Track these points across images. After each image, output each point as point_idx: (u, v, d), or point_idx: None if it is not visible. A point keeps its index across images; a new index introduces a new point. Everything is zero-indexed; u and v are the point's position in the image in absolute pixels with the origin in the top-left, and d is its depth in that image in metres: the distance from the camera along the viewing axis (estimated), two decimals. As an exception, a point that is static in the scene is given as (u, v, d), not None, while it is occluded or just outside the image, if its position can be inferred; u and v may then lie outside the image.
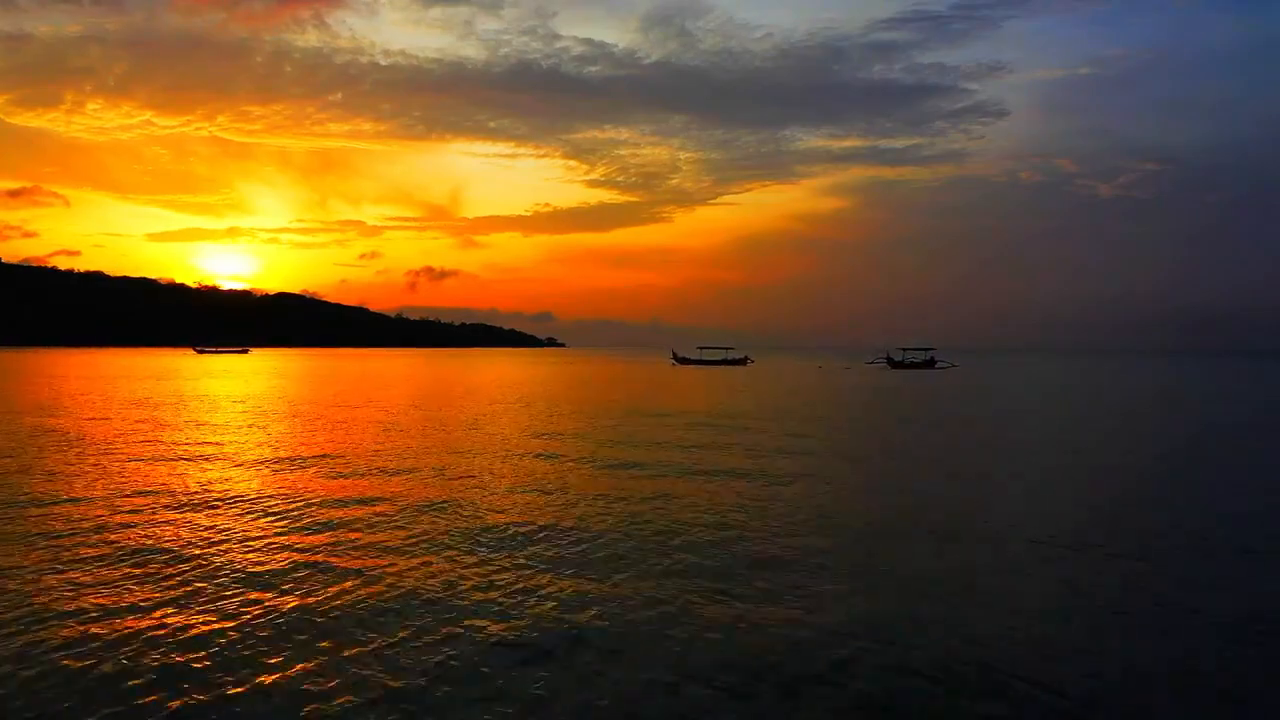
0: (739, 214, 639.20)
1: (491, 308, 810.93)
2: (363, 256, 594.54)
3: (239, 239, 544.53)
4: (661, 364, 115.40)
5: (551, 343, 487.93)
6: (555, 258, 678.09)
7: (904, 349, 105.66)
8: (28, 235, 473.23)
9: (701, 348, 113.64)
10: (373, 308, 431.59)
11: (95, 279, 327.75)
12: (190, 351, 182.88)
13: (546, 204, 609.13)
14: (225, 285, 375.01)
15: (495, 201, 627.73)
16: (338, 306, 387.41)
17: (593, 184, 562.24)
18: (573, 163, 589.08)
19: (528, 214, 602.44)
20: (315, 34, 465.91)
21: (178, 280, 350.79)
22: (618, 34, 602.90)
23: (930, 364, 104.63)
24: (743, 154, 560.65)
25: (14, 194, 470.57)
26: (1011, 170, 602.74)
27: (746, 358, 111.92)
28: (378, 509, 14.42)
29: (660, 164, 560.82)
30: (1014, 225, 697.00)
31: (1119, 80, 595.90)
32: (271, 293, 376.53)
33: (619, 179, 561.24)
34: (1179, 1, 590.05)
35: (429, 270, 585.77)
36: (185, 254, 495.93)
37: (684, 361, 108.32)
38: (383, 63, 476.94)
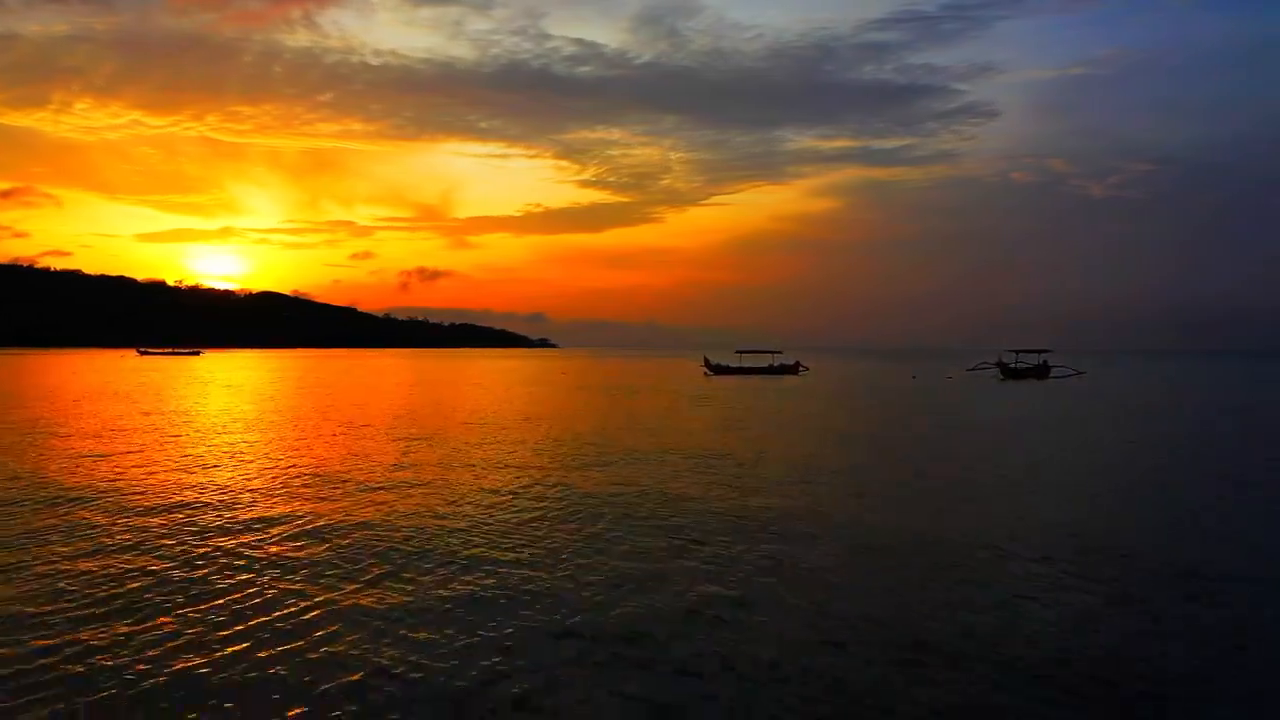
0: (731, 214, 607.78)
1: (485, 308, 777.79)
2: (354, 256, 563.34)
3: (229, 239, 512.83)
4: (692, 372, 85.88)
5: (544, 344, 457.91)
6: (548, 258, 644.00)
7: (1016, 352, 75.91)
8: (19, 235, 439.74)
9: (741, 351, 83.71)
10: (366, 308, 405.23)
11: (73, 278, 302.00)
12: (132, 353, 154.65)
13: (538, 204, 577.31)
14: (215, 286, 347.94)
15: (487, 202, 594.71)
16: (325, 306, 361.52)
17: (584, 184, 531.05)
18: (564, 163, 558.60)
19: (519, 214, 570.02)
20: (305, 34, 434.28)
21: (163, 280, 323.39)
22: (608, 34, 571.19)
23: (1044, 371, 75.20)
24: (734, 154, 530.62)
25: (5, 194, 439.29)
26: (1004, 171, 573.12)
27: (798, 363, 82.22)
28: None
29: (652, 164, 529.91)
30: (1007, 226, 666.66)
31: (1111, 80, 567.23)
32: (255, 292, 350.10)
33: (611, 179, 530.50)
34: (1171, 2, 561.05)
35: (422, 270, 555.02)
36: (175, 254, 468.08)
37: (721, 370, 78.52)
38: (373, 62, 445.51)
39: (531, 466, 19.05)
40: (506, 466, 19.04)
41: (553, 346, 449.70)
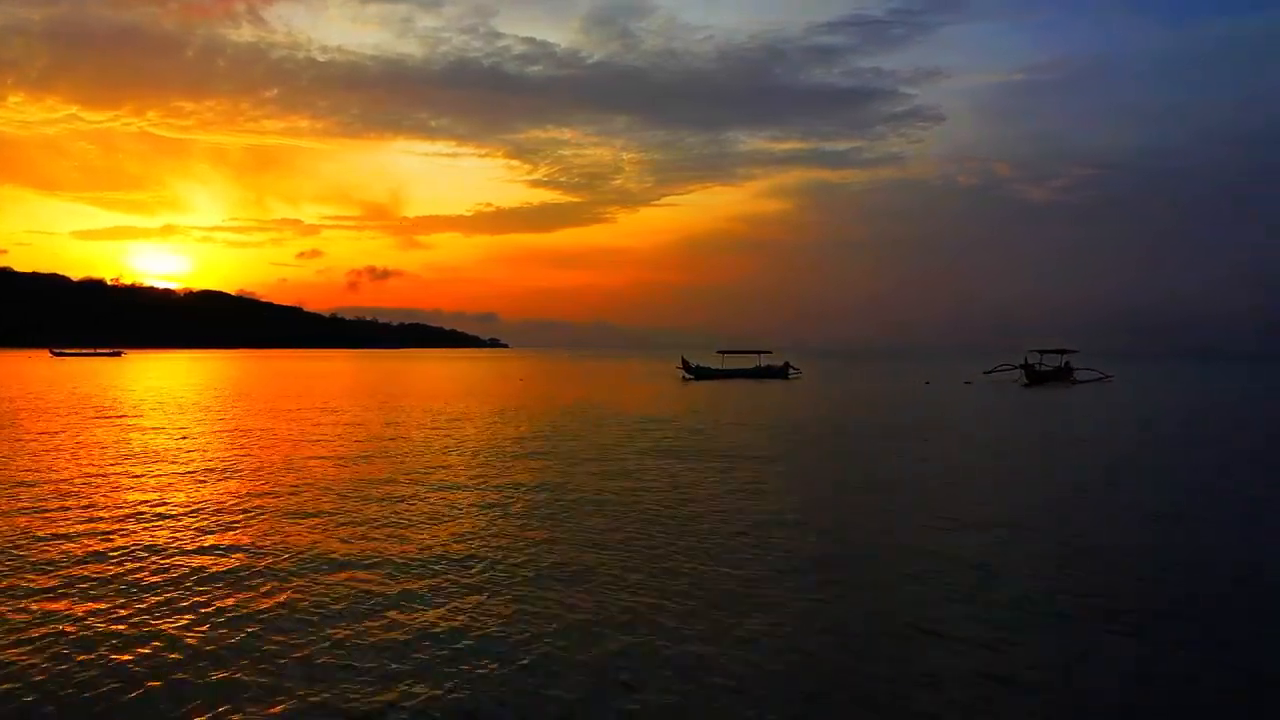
0: (682, 215, 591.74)
1: (435, 308, 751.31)
2: (300, 255, 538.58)
3: (171, 238, 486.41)
4: (665, 375, 74.05)
5: (494, 344, 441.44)
6: (498, 258, 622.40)
7: (1041, 352, 64.76)
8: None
9: (723, 351, 71.45)
10: (314, 308, 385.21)
11: (2, 275, 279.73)
12: (45, 354, 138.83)
13: (489, 204, 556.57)
14: (157, 285, 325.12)
15: (437, 201, 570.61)
16: (270, 306, 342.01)
17: (535, 184, 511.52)
18: (515, 162, 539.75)
19: (469, 214, 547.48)
20: (250, 28, 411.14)
21: (101, 279, 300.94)
22: (559, 34, 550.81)
23: (1067, 373, 64.48)
24: (685, 155, 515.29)
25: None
26: (949, 174, 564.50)
27: (786, 365, 70.39)
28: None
29: (603, 164, 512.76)
30: (954, 228, 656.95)
31: (1055, 86, 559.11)
32: (197, 290, 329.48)
33: (562, 179, 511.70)
34: (1116, 10, 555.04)
35: (371, 270, 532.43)
36: (115, 253, 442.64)
37: (702, 374, 66.34)
38: (320, 59, 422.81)
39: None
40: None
41: (503, 347, 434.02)
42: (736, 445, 23.42)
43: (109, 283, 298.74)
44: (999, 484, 17.45)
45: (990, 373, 69.21)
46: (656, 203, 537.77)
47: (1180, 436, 28.33)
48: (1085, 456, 22.30)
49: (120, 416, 30.71)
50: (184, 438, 24.15)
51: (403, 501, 14.69)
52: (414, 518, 13.37)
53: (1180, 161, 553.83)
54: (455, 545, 11.49)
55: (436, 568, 10.36)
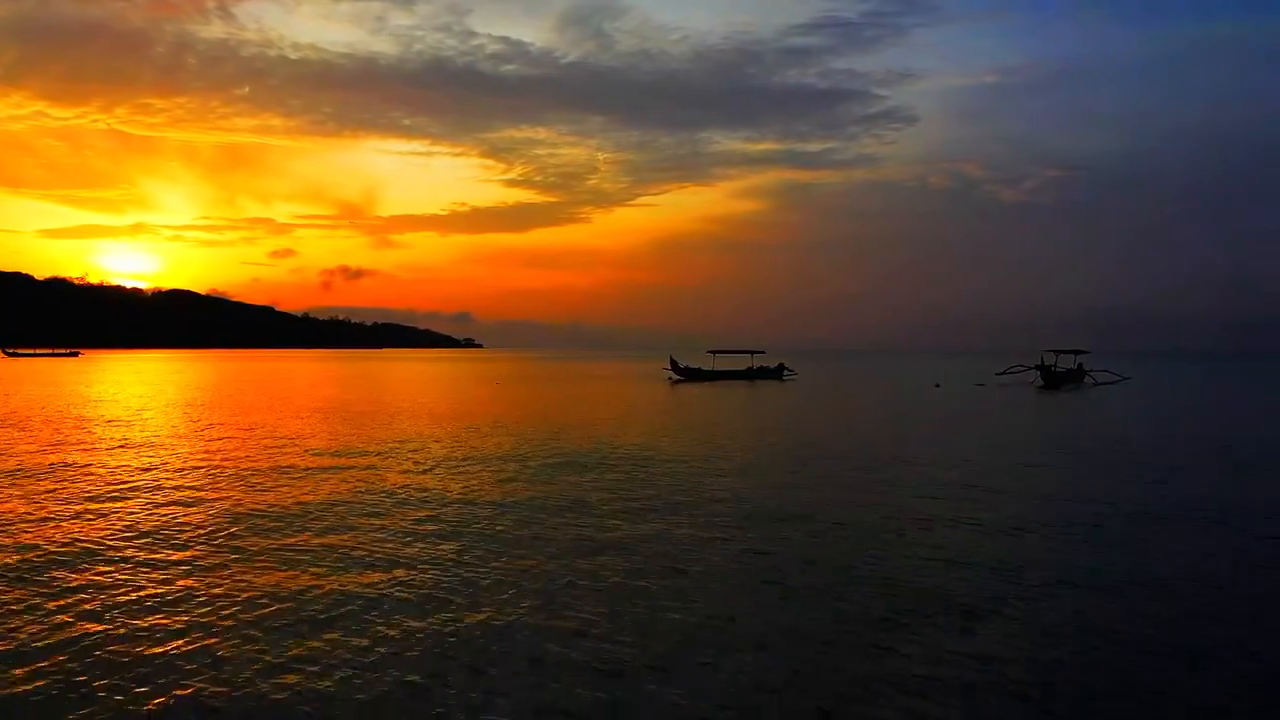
0: (657, 215, 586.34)
1: (409, 308, 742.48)
2: (273, 255, 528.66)
3: (140, 236, 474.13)
4: (652, 376, 68.98)
5: (469, 344, 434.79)
6: (473, 258, 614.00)
7: (1056, 352, 60.02)
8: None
9: (715, 352, 66.20)
10: (287, 308, 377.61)
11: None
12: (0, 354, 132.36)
13: (463, 203, 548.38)
14: (126, 284, 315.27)
15: (411, 200, 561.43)
16: (240, 306, 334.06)
17: (510, 184, 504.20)
18: (490, 162, 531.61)
19: (444, 213, 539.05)
20: (220, 25, 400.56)
21: (67, 278, 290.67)
22: (534, 33, 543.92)
23: (1078, 375, 60.00)
24: (660, 155, 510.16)
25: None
26: (922, 175, 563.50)
27: (781, 366, 65.43)
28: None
29: (578, 164, 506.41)
30: (926, 229, 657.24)
31: (1027, 88, 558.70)
32: (165, 290, 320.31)
33: (537, 179, 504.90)
34: (1088, 14, 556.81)
35: (344, 270, 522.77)
36: (82, 251, 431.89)
37: (691, 376, 61.24)
38: (292, 56, 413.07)
39: None
40: None
41: (478, 347, 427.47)
42: (772, 483, 18.39)
43: (75, 282, 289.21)
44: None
45: (1002, 374, 64.74)
46: (631, 203, 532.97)
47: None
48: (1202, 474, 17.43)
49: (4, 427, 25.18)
50: (71, 463, 18.74)
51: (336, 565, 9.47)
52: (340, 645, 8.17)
53: (1152, 164, 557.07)
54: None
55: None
